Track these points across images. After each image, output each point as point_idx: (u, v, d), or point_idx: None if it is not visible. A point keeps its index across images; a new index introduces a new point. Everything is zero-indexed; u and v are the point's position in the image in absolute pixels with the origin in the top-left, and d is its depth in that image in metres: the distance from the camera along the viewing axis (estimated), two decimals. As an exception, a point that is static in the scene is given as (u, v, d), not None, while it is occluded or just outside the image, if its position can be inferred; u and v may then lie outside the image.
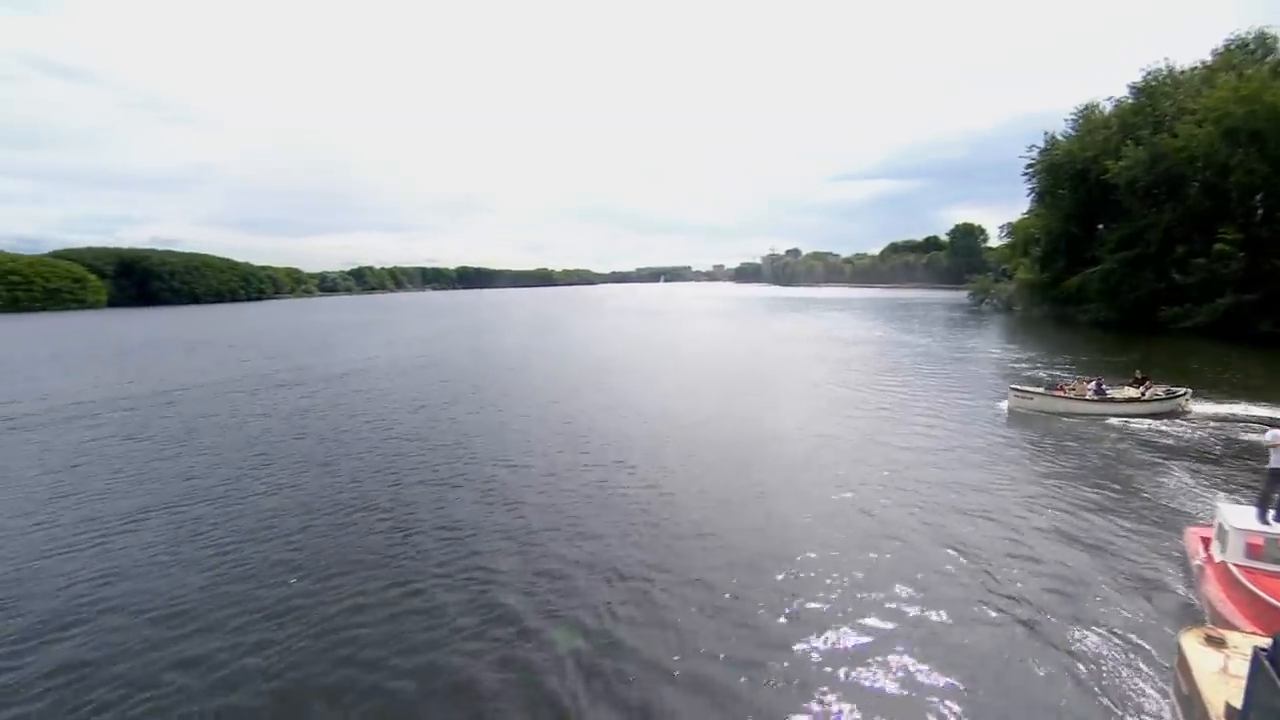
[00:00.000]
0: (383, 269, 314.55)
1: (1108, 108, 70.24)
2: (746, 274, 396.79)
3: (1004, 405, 25.05)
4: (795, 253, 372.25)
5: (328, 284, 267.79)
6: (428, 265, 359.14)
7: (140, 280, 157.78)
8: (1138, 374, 25.62)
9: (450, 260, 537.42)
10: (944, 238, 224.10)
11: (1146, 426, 21.94)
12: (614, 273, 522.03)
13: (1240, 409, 23.97)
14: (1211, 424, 22.14)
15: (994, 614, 10.01)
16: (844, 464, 17.92)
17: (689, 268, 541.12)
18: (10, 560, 12.88)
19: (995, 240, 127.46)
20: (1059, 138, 74.79)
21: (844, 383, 32.09)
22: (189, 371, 40.30)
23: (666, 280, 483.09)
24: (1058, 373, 33.51)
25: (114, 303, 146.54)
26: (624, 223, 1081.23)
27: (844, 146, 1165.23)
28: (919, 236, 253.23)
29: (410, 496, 15.86)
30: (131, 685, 8.90)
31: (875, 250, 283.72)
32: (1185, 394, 24.20)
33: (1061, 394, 24.32)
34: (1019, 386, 25.39)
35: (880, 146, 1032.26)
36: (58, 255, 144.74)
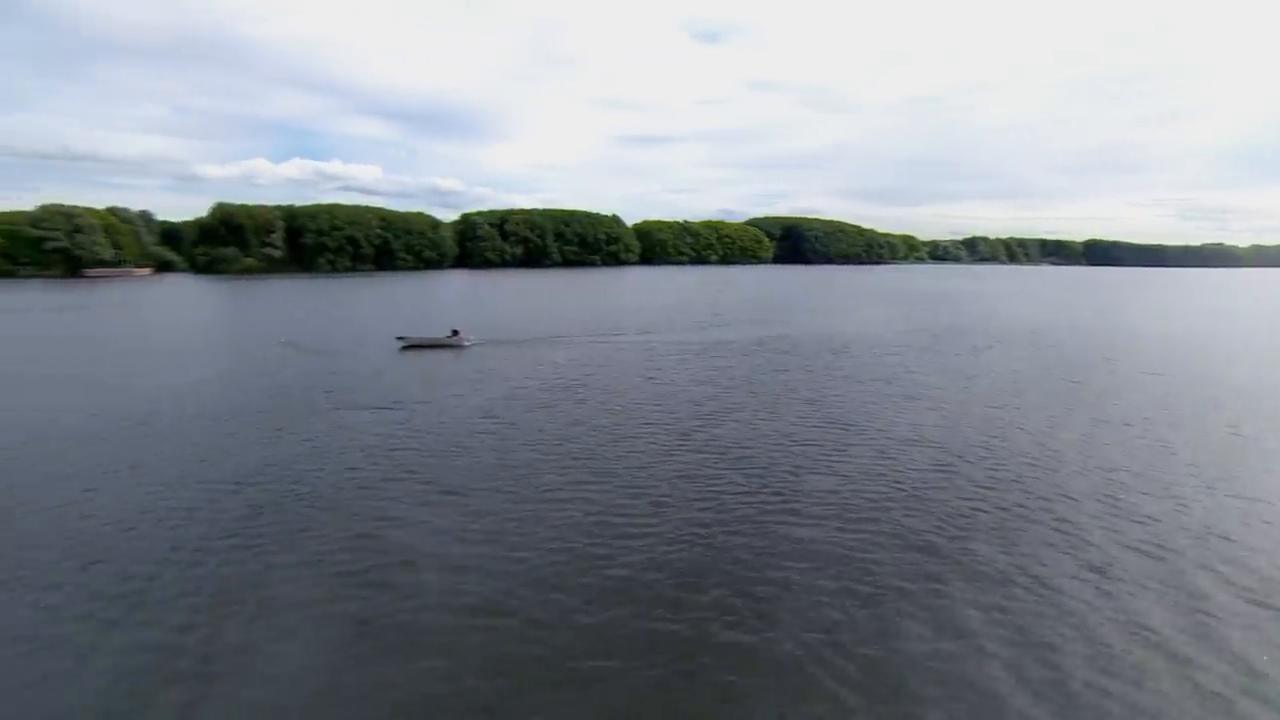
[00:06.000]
0: (997, 239, 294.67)
1: None
2: None
3: None
4: None
5: (938, 252, 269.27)
6: (1048, 236, 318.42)
7: (794, 242, 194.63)
8: None
9: (1074, 232, 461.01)
10: None
11: None
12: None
13: None
14: None
15: None
16: None
17: None
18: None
19: None
20: None
21: None
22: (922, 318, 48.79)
23: None
24: None
25: (776, 259, 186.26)
26: None
27: None
28: None
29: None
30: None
31: None
32: None
33: None
34: None
35: None
36: (748, 223, 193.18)
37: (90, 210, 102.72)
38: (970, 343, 35.42)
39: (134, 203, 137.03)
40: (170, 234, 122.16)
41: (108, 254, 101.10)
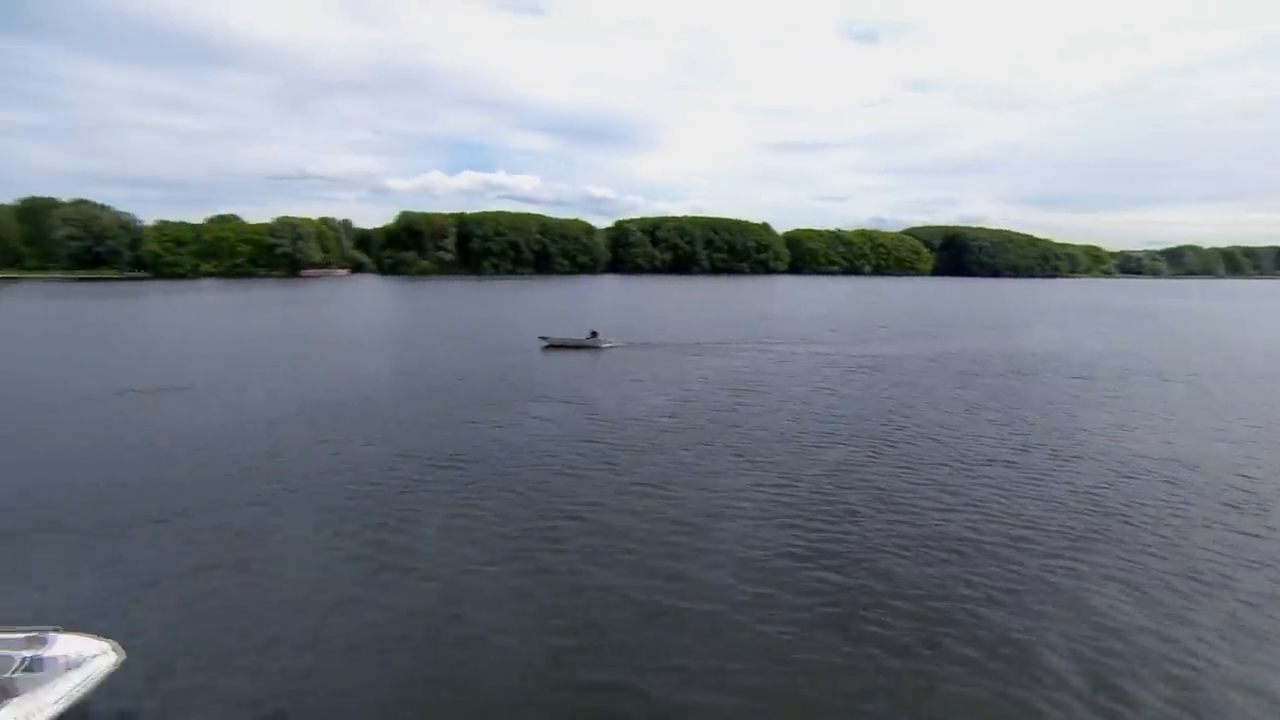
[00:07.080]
0: (1211, 249, 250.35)
1: None
2: None
3: None
4: None
5: (1130, 265, 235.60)
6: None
7: (956, 253, 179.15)
8: None
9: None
10: None
11: None
12: None
13: None
14: None
15: None
16: None
17: None
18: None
19: None
20: None
21: None
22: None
23: None
24: None
25: (934, 271, 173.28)
26: None
27: None
28: None
29: None
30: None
31: None
32: None
33: None
34: None
35: None
36: (905, 232, 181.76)
37: (307, 221, 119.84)
38: (1183, 370, 30.24)
39: (337, 213, 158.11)
40: (363, 239, 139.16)
41: (318, 257, 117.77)
